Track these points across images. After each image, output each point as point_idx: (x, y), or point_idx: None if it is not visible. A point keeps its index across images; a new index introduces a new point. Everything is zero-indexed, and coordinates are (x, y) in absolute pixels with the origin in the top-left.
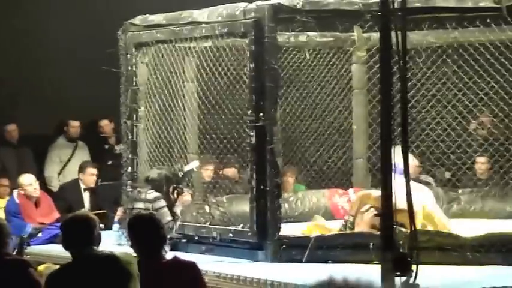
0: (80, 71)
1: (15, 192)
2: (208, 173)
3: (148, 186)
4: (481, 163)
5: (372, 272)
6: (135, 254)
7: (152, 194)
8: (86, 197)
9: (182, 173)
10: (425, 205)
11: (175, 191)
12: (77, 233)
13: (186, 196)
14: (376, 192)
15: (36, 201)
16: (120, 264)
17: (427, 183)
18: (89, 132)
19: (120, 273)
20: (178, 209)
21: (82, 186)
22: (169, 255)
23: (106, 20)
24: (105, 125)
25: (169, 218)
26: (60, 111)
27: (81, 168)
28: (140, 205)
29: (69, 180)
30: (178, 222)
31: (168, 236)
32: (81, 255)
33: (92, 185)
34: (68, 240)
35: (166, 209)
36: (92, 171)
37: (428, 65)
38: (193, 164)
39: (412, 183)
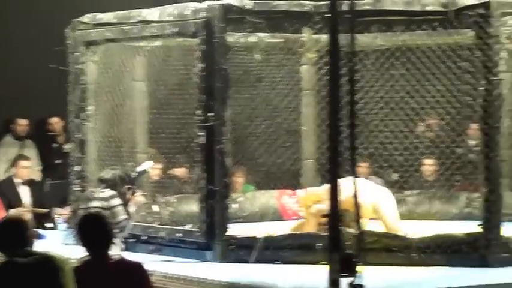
0: (30, 68)
1: None
2: (156, 171)
3: (102, 185)
4: (429, 165)
5: (319, 273)
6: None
7: (107, 193)
8: (24, 191)
9: (136, 174)
10: (376, 203)
11: (129, 191)
12: (9, 235)
13: (140, 196)
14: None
15: None
16: (52, 265)
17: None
18: (39, 130)
19: (52, 274)
20: (132, 209)
21: (17, 181)
22: (117, 255)
23: (55, 17)
24: (55, 122)
25: (124, 216)
26: (8, 109)
27: (14, 163)
28: (96, 204)
29: (3, 178)
30: (132, 222)
31: (123, 234)
32: (13, 256)
33: (26, 178)
34: (1, 243)
35: (121, 207)
36: (24, 163)
37: (377, 67)
38: (147, 165)
39: (371, 183)
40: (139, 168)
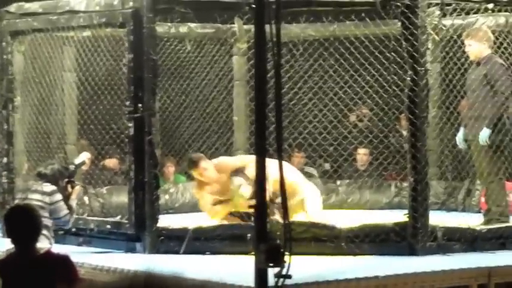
0: None
1: None
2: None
3: (42, 180)
4: (363, 154)
5: (248, 263)
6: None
7: (49, 187)
8: None
9: (73, 166)
10: (295, 183)
11: (69, 185)
12: None
13: (80, 189)
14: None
15: None
16: None
17: (310, 175)
18: None
19: None
20: (73, 203)
21: None
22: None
23: None
24: None
25: (67, 211)
26: None
27: None
28: (37, 196)
29: None
30: (74, 216)
31: (66, 229)
32: None
33: None
34: None
35: (62, 203)
36: None
37: (306, 58)
38: (84, 156)
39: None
40: (76, 161)
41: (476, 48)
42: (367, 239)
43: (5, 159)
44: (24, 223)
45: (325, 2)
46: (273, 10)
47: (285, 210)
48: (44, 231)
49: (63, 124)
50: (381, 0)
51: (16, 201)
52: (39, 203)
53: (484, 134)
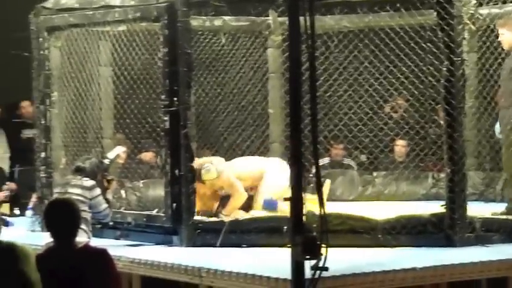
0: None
1: None
2: (122, 155)
3: (80, 174)
4: (401, 146)
5: (284, 255)
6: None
7: (89, 182)
8: None
9: (108, 160)
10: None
11: (104, 179)
12: None
13: (115, 183)
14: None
15: None
16: (14, 253)
17: (348, 167)
18: (9, 116)
19: (14, 263)
20: (110, 196)
21: None
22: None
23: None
24: (26, 106)
25: (106, 205)
26: None
27: None
28: (77, 191)
29: None
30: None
31: (105, 222)
32: None
33: None
34: None
35: (102, 197)
36: None
37: (341, 49)
38: (118, 150)
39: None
40: (110, 155)
41: (509, 37)
42: (404, 231)
43: (43, 154)
44: (63, 217)
45: None
46: (307, 2)
47: (320, 203)
48: (83, 226)
49: (99, 118)
50: None
51: (55, 196)
52: (80, 197)
53: (498, 126)
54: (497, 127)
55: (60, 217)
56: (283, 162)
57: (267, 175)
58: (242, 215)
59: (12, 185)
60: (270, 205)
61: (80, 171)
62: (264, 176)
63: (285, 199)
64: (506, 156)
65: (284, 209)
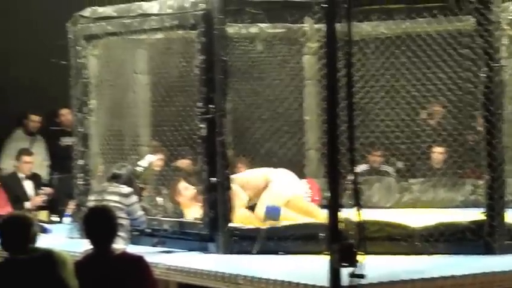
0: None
1: None
2: (158, 162)
3: (117, 182)
4: (438, 152)
5: (321, 263)
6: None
7: (126, 189)
8: (28, 185)
9: (141, 168)
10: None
11: (139, 186)
12: (12, 234)
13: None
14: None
15: None
16: (53, 260)
17: (386, 173)
18: (49, 123)
19: (52, 270)
20: (144, 204)
21: (21, 176)
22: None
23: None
24: (66, 113)
25: (142, 212)
26: (14, 103)
27: (17, 157)
28: (114, 198)
29: (8, 173)
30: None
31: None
32: (15, 254)
33: (28, 173)
34: (4, 241)
35: (138, 204)
36: (27, 159)
37: (378, 56)
38: (150, 158)
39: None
40: (143, 163)
41: None
42: (442, 238)
43: (81, 161)
44: (102, 224)
45: None
46: (344, 9)
47: (358, 209)
48: (121, 233)
49: (136, 126)
50: None
51: (92, 203)
52: (117, 204)
53: None
54: None
55: (99, 224)
56: (289, 173)
57: (272, 184)
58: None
59: (48, 190)
60: (272, 212)
61: (116, 178)
62: (269, 185)
63: (322, 206)
64: None
65: (288, 216)
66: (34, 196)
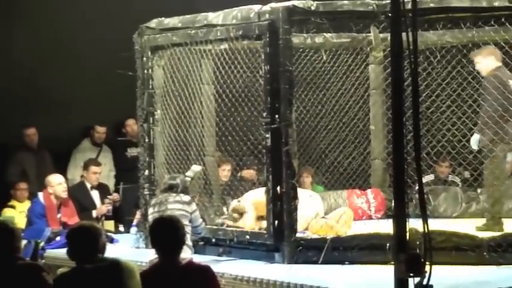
0: (102, 72)
1: (40, 194)
2: (225, 173)
3: (176, 191)
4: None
5: (387, 273)
6: (150, 258)
7: (187, 197)
8: (95, 195)
9: (189, 178)
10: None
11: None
12: (80, 243)
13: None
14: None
15: (60, 203)
16: (119, 270)
17: (452, 183)
18: (116, 134)
19: (119, 280)
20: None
21: (88, 186)
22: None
23: (123, 21)
24: (133, 124)
25: (201, 219)
26: (82, 114)
27: (85, 167)
28: (178, 206)
29: (76, 183)
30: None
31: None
32: (83, 263)
33: (96, 183)
34: (73, 250)
35: (198, 211)
36: (95, 169)
37: (444, 65)
38: (196, 168)
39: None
40: (189, 173)
41: (485, 64)
42: (510, 249)
43: (146, 172)
44: (170, 234)
45: (462, 8)
46: (410, 18)
47: (424, 220)
48: (187, 241)
49: (201, 136)
50: None
51: (154, 215)
52: (182, 212)
53: (474, 139)
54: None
55: (167, 234)
56: (310, 193)
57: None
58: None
59: (115, 196)
60: None
61: (173, 188)
62: None
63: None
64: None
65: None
66: (100, 205)
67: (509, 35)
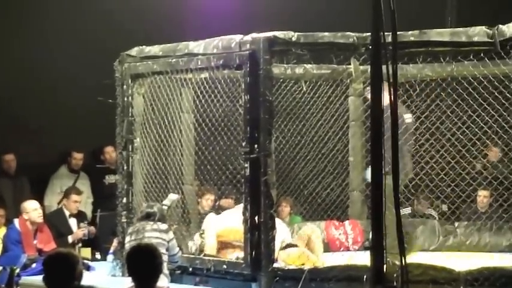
0: (81, 99)
1: (16, 220)
2: (208, 202)
3: (153, 220)
4: (483, 196)
5: None
6: (126, 286)
7: (164, 225)
8: (73, 223)
9: (166, 207)
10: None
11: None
12: (58, 270)
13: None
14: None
15: (36, 229)
16: None
17: (430, 216)
18: (93, 160)
19: None
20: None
21: (67, 213)
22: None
23: (107, 49)
24: (110, 151)
25: (178, 248)
26: (60, 140)
27: (66, 195)
28: (155, 234)
29: (54, 209)
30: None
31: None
32: None
33: (75, 212)
34: (49, 278)
35: (175, 240)
36: (76, 198)
37: (423, 98)
38: (173, 197)
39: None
40: (166, 202)
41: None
42: (486, 283)
43: (124, 199)
44: (146, 262)
45: (442, 42)
46: (390, 51)
47: (401, 252)
48: (164, 270)
49: (180, 164)
50: (500, 40)
51: (131, 243)
52: (159, 240)
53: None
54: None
55: (144, 262)
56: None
57: None
58: None
59: (92, 229)
60: None
61: (150, 216)
62: None
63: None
64: None
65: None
66: (76, 230)
67: (487, 70)
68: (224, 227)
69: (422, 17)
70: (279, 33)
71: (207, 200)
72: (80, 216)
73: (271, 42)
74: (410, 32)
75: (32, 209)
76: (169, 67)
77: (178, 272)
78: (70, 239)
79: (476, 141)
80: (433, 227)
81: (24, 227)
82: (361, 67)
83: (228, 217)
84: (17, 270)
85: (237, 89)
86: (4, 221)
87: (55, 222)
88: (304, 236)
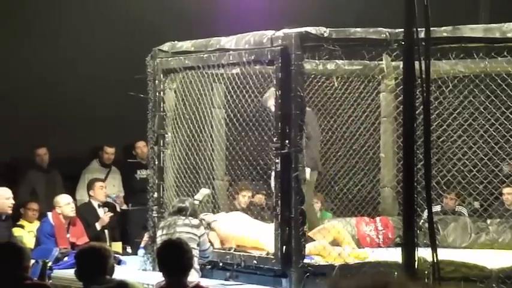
0: (113, 94)
1: (49, 214)
2: (245, 199)
3: (185, 214)
4: (507, 193)
5: None
6: (157, 281)
7: (196, 220)
8: (102, 213)
9: (197, 201)
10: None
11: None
12: (90, 264)
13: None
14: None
15: (68, 223)
16: None
17: (460, 214)
18: (125, 156)
19: None
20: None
21: (95, 204)
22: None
23: (139, 44)
24: (142, 146)
25: (209, 243)
26: (92, 134)
27: (89, 186)
28: (186, 229)
29: (82, 203)
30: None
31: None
32: (90, 284)
33: (103, 199)
34: (81, 271)
35: (206, 235)
36: (100, 184)
37: (456, 95)
38: (205, 191)
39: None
40: (198, 196)
41: None
42: None
43: (155, 194)
44: (177, 257)
45: (476, 38)
46: (423, 47)
47: (433, 249)
48: (195, 265)
49: (211, 160)
50: None
51: (162, 238)
52: (191, 235)
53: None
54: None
55: (175, 257)
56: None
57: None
58: None
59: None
60: None
61: (182, 211)
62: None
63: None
64: None
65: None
66: (102, 216)
67: None
68: (241, 234)
69: (455, 12)
70: (311, 29)
71: (244, 197)
72: (109, 207)
73: (303, 38)
74: (443, 28)
75: (64, 203)
76: (201, 62)
77: (209, 267)
78: (98, 226)
79: (510, 138)
80: (465, 224)
81: (57, 221)
82: (393, 63)
83: (242, 224)
84: (49, 264)
85: (269, 85)
86: (38, 215)
87: (84, 214)
88: (326, 230)
